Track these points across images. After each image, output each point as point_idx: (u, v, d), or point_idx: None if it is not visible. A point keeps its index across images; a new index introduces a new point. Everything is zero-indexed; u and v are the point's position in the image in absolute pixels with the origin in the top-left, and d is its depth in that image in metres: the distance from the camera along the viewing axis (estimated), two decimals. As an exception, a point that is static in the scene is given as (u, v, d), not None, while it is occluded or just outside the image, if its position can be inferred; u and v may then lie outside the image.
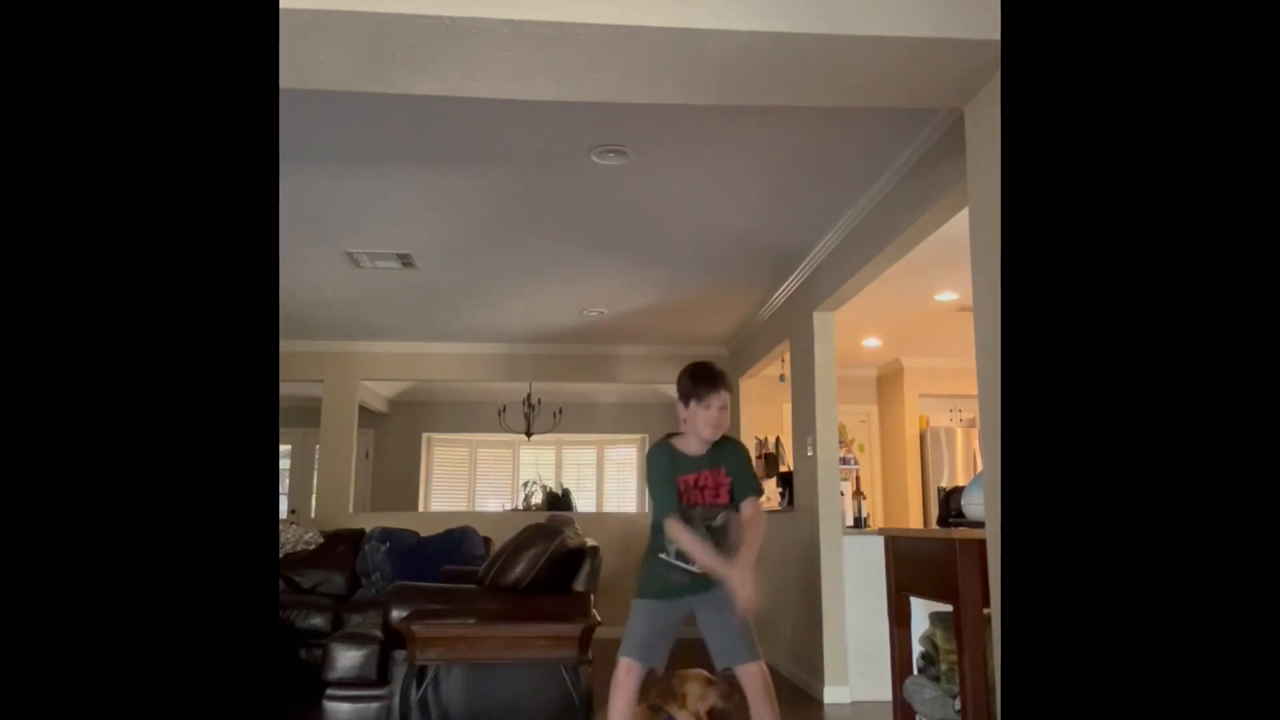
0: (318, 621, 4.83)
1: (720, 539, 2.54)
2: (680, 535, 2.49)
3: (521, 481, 10.40)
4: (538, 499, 9.77)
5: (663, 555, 2.56)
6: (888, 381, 8.10)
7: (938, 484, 7.40)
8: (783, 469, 6.43)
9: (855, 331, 6.81)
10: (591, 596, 3.74)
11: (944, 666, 3.01)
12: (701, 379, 2.60)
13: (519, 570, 3.57)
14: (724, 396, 2.59)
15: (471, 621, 3.36)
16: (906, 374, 7.77)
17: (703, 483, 2.57)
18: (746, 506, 2.56)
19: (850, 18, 2.27)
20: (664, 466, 2.58)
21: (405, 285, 5.70)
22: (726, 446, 2.63)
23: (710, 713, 2.55)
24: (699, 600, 2.54)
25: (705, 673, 2.59)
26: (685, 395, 2.62)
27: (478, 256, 5.12)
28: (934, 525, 5.74)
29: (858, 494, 5.65)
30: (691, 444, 2.61)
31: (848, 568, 4.87)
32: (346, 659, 3.69)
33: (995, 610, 2.47)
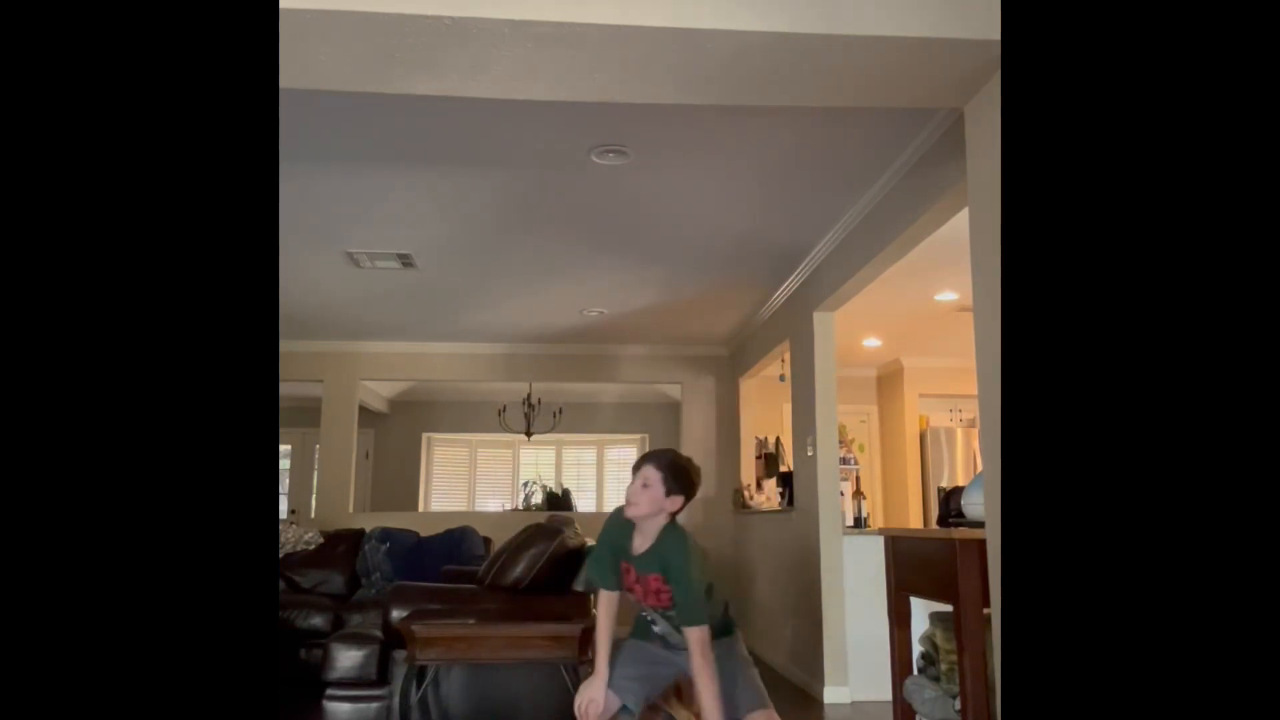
0: (318, 621, 4.83)
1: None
2: (600, 619, 2.37)
3: (521, 481, 10.41)
4: (538, 499, 9.78)
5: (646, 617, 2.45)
6: (888, 381, 8.10)
7: (938, 484, 7.41)
8: (783, 469, 6.43)
9: (855, 331, 6.81)
10: (591, 596, 3.74)
11: (944, 666, 3.01)
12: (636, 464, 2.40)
13: (519, 570, 3.57)
14: (646, 473, 2.31)
15: (471, 621, 3.36)
16: (906, 374, 7.77)
17: (643, 583, 2.35)
18: (689, 636, 2.25)
19: (850, 18, 2.27)
20: (608, 535, 2.41)
21: (405, 285, 5.71)
22: (665, 545, 2.32)
23: None
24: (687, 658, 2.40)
25: None
26: None
27: (478, 256, 5.12)
28: (934, 525, 5.74)
29: (858, 494, 5.65)
30: (639, 531, 2.37)
31: (848, 568, 4.87)
32: (346, 659, 3.69)
33: (995, 610, 2.47)
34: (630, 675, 2.39)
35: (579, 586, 3.66)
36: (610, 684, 2.36)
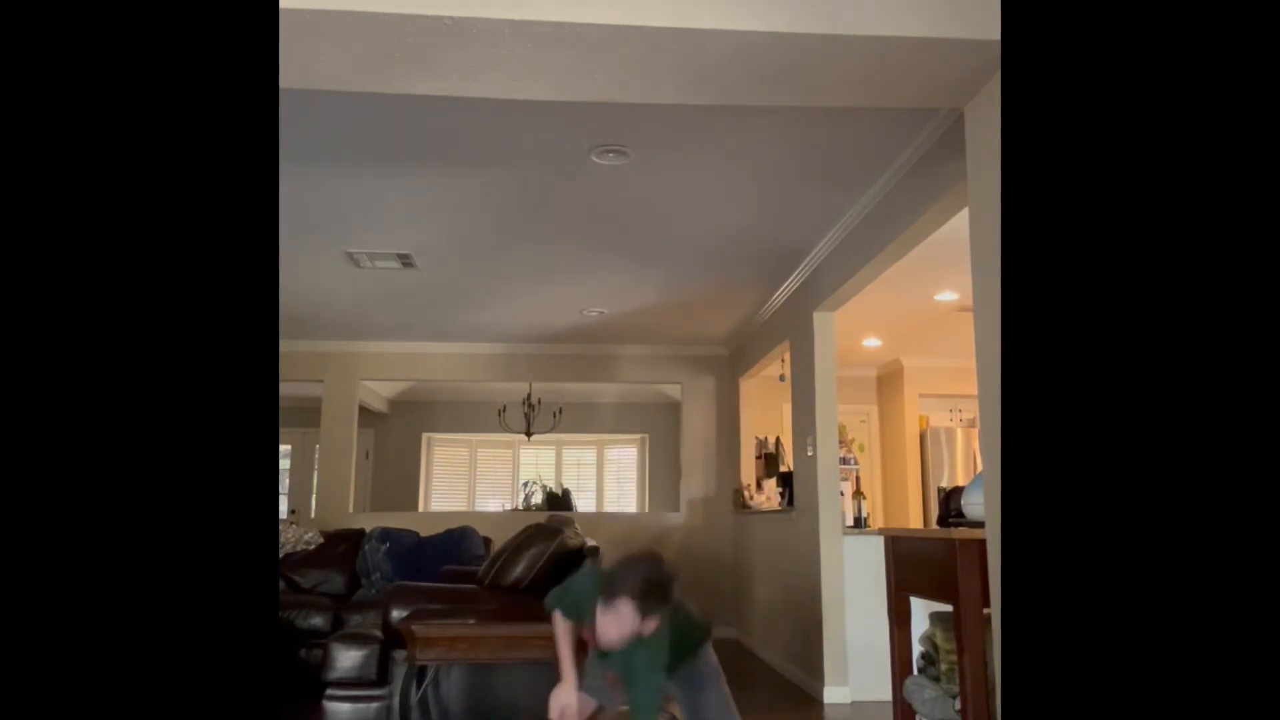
0: (318, 621, 4.83)
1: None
2: (557, 633, 2.29)
3: (521, 481, 10.41)
4: (538, 499, 9.78)
5: None
6: (888, 381, 8.10)
7: (938, 484, 7.40)
8: (783, 469, 6.43)
9: (855, 331, 6.81)
10: (592, 596, 3.73)
11: (944, 666, 3.01)
12: (604, 580, 2.15)
13: (519, 570, 3.57)
14: (620, 609, 2.07)
15: (471, 621, 3.36)
16: (906, 374, 7.77)
17: (602, 665, 2.24)
18: None
19: (850, 17, 2.27)
20: (583, 599, 2.23)
21: (405, 285, 5.71)
22: (630, 659, 2.15)
23: None
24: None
25: None
26: None
27: (478, 256, 5.12)
28: (934, 525, 5.74)
29: (858, 494, 5.65)
30: None
31: (848, 568, 4.87)
32: (346, 659, 3.69)
33: (995, 610, 2.47)
34: (597, 675, 2.32)
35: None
36: (583, 687, 2.31)
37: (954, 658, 2.84)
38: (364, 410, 9.04)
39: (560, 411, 9.43)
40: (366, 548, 5.47)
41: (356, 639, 3.76)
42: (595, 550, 3.93)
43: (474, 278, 5.54)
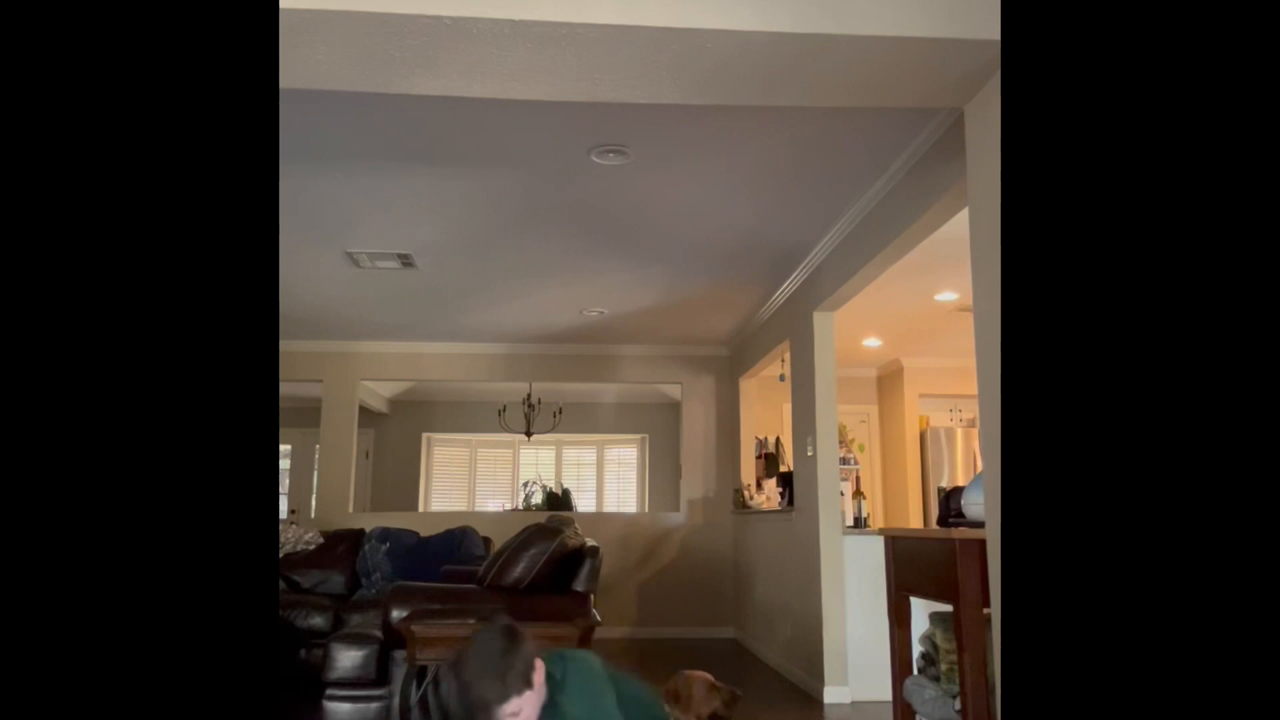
0: (318, 621, 4.83)
1: None
2: None
3: (521, 481, 10.41)
4: (538, 499, 9.78)
5: None
6: (888, 381, 8.10)
7: (938, 484, 7.41)
8: (783, 469, 6.43)
9: (855, 331, 6.81)
10: (591, 596, 3.74)
11: (944, 666, 3.01)
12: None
13: (519, 570, 3.57)
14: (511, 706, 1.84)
15: (471, 621, 3.36)
16: (906, 374, 7.77)
17: None
18: None
19: (850, 17, 2.27)
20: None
21: (405, 285, 5.71)
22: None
23: (712, 716, 2.54)
24: None
25: (709, 676, 2.58)
26: None
27: (478, 256, 5.12)
28: (934, 525, 5.74)
29: (858, 494, 5.65)
30: None
31: (848, 568, 4.87)
32: (346, 659, 3.69)
33: (995, 610, 2.47)
34: None
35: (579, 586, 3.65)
36: None
37: (954, 658, 2.84)
38: (364, 410, 9.05)
39: (560, 411, 9.43)
40: (366, 548, 5.47)
41: (356, 639, 3.76)
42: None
43: (474, 278, 5.54)
